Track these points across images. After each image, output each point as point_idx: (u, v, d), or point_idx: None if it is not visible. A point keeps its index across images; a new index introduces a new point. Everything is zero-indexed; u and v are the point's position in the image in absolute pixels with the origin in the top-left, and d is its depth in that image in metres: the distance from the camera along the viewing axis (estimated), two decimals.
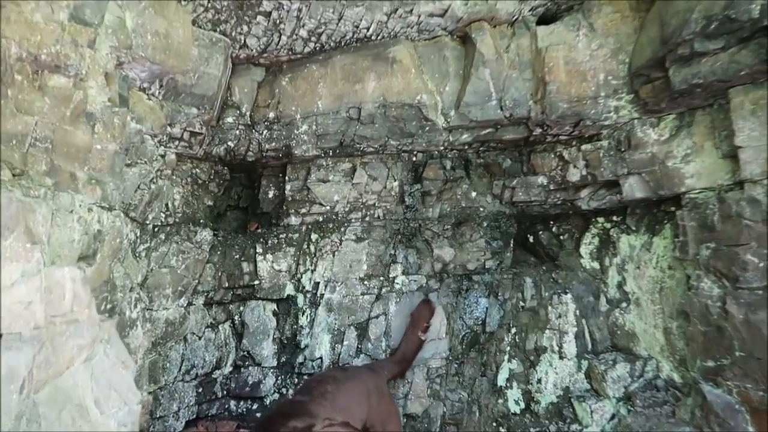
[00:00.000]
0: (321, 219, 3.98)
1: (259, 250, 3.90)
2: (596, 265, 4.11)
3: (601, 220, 4.09)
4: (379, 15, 3.55)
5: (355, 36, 3.72)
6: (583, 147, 3.71)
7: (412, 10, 3.53)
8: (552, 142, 3.89)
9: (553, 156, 3.91)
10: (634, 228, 3.83)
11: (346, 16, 3.53)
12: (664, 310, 3.53)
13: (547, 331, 4.08)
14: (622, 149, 3.49)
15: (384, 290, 3.91)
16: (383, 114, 3.73)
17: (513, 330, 4.14)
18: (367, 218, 4.00)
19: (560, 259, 4.33)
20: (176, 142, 3.61)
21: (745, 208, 2.84)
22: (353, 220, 3.97)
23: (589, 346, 4.04)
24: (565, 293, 4.16)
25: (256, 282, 3.89)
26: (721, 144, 3.07)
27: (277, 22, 3.53)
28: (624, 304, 3.84)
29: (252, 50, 3.72)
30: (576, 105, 3.42)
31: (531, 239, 4.55)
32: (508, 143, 4.00)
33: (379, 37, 3.75)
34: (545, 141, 3.89)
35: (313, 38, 3.72)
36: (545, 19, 3.63)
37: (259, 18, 3.49)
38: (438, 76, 3.75)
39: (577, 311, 4.08)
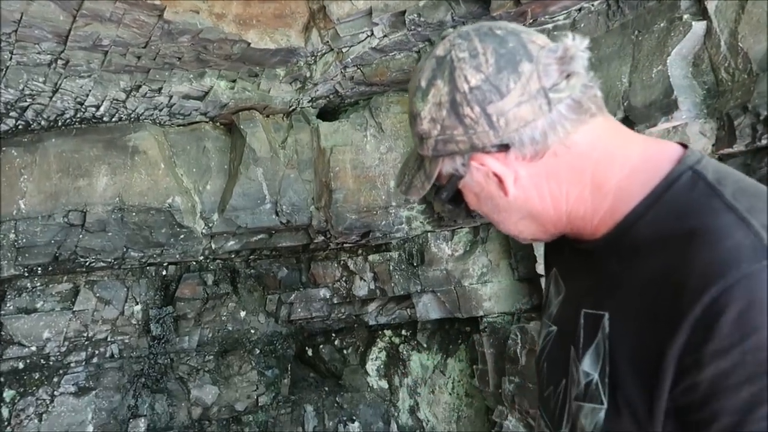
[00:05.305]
0: (21, 366, 2.78)
1: None
2: (385, 384, 3.63)
3: (388, 333, 3.65)
4: (115, 91, 2.64)
5: (78, 115, 2.73)
6: (371, 258, 3.24)
7: (161, 89, 2.69)
8: (335, 249, 3.35)
9: (336, 265, 3.37)
10: (425, 345, 3.44)
11: (65, 88, 2.54)
12: None
13: None
14: (415, 264, 3.09)
15: None
16: (120, 219, 2.78)
17: None
18: (95, 359, 2.92)
19: (345, 377, 3.76)
20: None
21: None
22: (73, 365, 2.86)
23: None
24: (352, 420, 3.61)
25: None
26: (518, 265, 2.84)
27: None
28: None
29: None
30: (365, 216, 2.92)
31: (310, 352, 3.91)
32: (283, 251, 3.35)
33: (114, 119, 2.81)
34: (327, 248, 3.34)
35: (13, 113, 2.64)
36: (328, 113, 3.11)
37: None
38: (196, 171, 2.96)
39: None
